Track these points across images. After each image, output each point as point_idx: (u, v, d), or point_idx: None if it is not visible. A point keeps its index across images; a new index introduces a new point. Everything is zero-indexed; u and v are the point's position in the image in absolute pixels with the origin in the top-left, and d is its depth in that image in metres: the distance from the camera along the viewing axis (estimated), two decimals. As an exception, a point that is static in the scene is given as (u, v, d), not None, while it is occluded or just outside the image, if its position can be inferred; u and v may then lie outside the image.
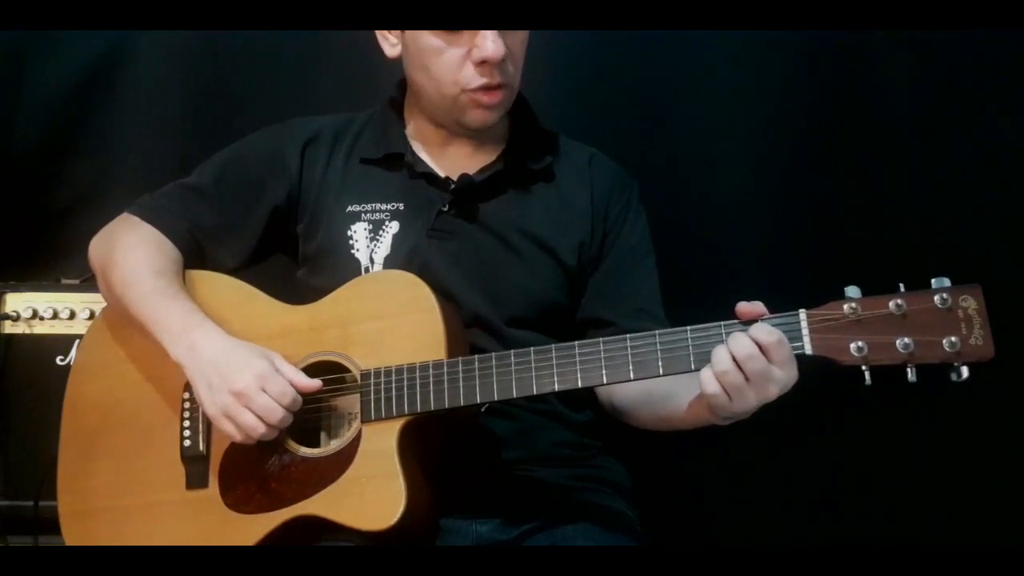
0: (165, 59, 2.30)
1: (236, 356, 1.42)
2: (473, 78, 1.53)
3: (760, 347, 1.23)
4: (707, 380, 1.25)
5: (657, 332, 1.30)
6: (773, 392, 1.24)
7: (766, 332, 1.23)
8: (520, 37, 1.57)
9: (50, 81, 2.29)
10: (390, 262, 1.58)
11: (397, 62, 1.64)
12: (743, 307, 1.27)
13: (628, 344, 1.31)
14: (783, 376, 1.24)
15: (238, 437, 1.41)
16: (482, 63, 1.51)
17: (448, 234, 1.60)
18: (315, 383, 1.42)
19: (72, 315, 1.99)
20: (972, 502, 2.06)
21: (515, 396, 1.36)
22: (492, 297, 1.58)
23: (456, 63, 1.53)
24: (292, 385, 1.40)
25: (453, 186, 1.61)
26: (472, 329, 1.54)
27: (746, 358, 1.23)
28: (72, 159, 2.31)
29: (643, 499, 1.66)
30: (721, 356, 1.24)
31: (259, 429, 1.39)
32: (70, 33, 2.26)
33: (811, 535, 2.09)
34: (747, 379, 1.23)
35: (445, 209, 1.60)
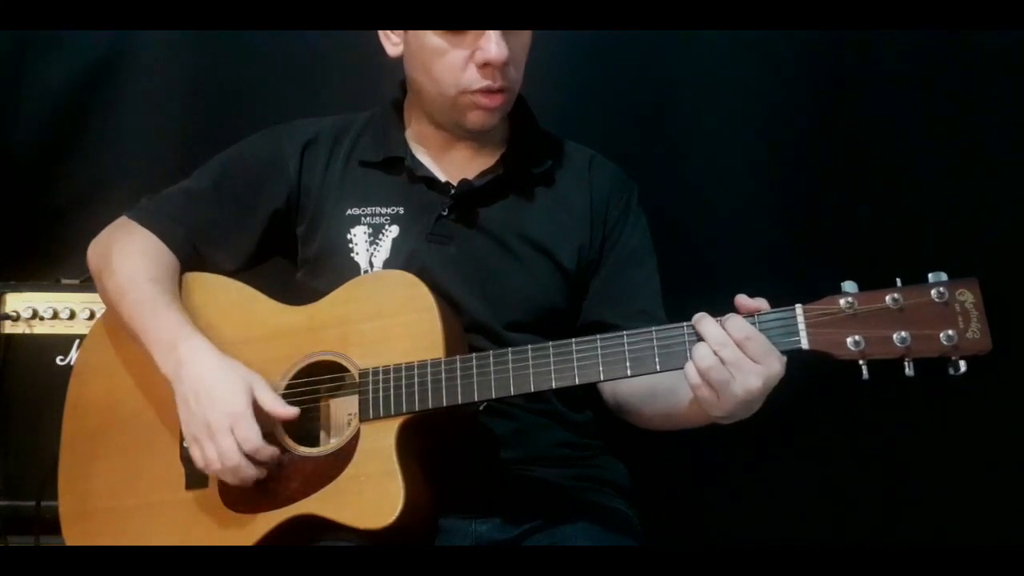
0: (165, 59, 2.31)
1: (217, 386, 1.41)
2: (475, 80, 1.53)
3: (733, 340, 1.23)
4: (690, 372, 1.25)
5: (654, 328, 1.30)
6: (755, 384, 1.23)
7: (737, 327, 1.23)
8: (522, 41, 1.57)
9: (50, 81, 2.29)
10: (389, 266, 1.57)
11: (398, 61, 1.65)
12: (741, 301, 1.27)
13: (625, 341, 1.31)
14: (762, 369, 1.23)
15: (199, 464, 1.42)
16: (485, 65, 1.51)
17: (447, 238, 1.60)
18: (292, 411, 1.42)
19: (72, 315, 1.99)
20: (971, 499, 2.06)
21: (513, 394, 1.36)
22: (491, 302, 1.58)
23: (458, 65, 1.53)
24: (271, 413, 1.41)
25: (453, 191, 1.61)
26: (471, 334, 1.54)
27: (719, 347, 1.23)
28: (72, 159, 2.31)
29: (643, 499, 1.65)
30: (701, 350, 1.24)
31: (214, 466, 1.40)
32: (70, 33, 2.27)
33: (811, 534, 2.09)
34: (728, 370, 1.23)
35: (445, 214, 1.60)
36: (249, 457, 1.39)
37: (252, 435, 1.39)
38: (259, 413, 1.41)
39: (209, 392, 1.40)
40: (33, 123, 2.30)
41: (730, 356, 1.22)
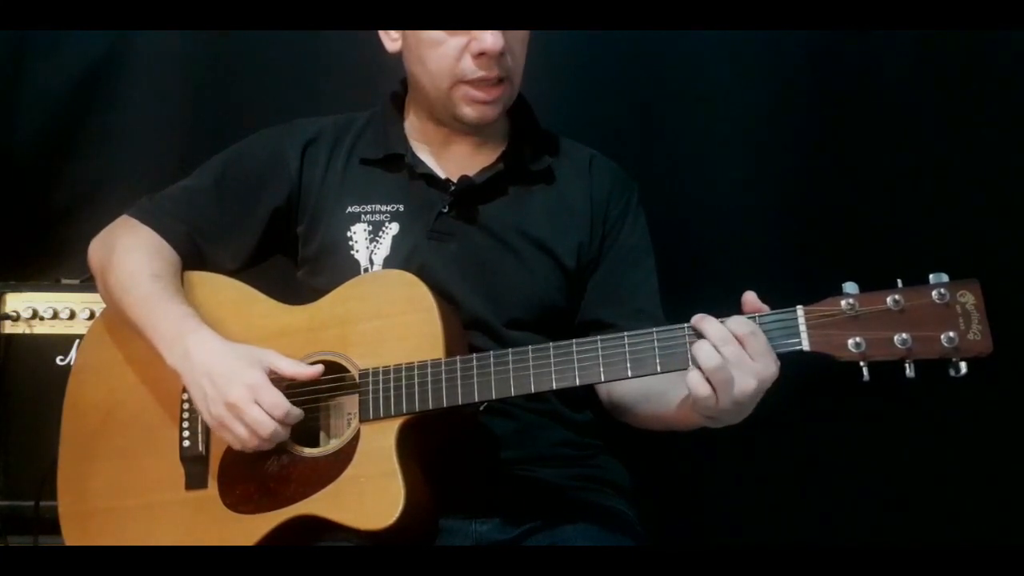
0: (165, 59, 2.31)
1: (230, 365, 1.41)
2: (470, 70, 1.53)
3: (735, 337, 1.23)
4: (692, 372, 1.24)
5: (655, 329, 1.30)
6: (750, 384, 1.23)
7: (741, 323, 1.23)
8: (520, 32, 1.57)
9: (50, 81, 2.29)
10: (390, 263, 1.57)
11: (399, 61, 1.65)
12: (750, 298, 1.27)
13: (626, 342, 1.31)
14: (759, 368, 1.23)
15: (236, 446, 1.42)
16: (480, 55, 1.51)
17: (448, 235, 1.59)
18: (315, 370, 1.42)
19: (72, 315, 1.99)
20: (972, 500, 2.06)
21: (513, 395, 1.36)
22: (491, 299, 1.58)
23: (454, 55, 1.53)
24: (294, 375, 1.41)
25: (453, 187, 1.61)
26: (471, 331, 1.54)
27: (722, 343, 1.22)
28: (72, 159, 2.31)
29: (643, 499, 1.65)
30: (705, 348, 1.24)
31: (251, 442, 1.40)
32: (70, 33, 2.27)
33: (811, 534, 2.09)
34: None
35: (445, 210, 1.60)
36: (280, 422, 1.39)
37: (278, 400, 1.39)
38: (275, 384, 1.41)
39: (223, 373, 1.41)
40: (33, 123, 2.30)
41: (732, 353, 1.22)
